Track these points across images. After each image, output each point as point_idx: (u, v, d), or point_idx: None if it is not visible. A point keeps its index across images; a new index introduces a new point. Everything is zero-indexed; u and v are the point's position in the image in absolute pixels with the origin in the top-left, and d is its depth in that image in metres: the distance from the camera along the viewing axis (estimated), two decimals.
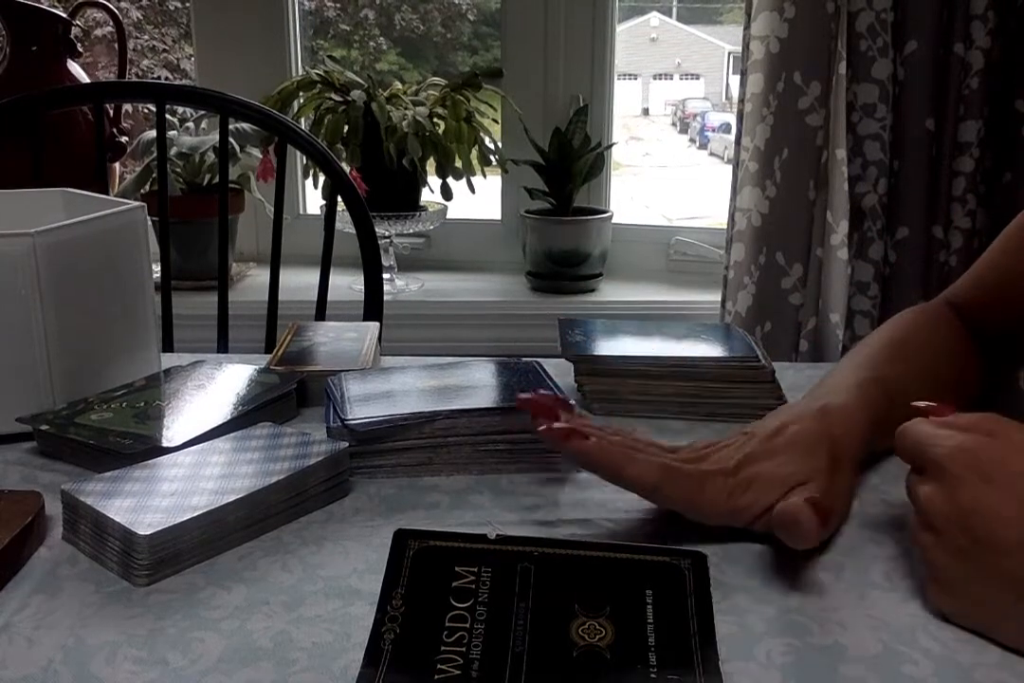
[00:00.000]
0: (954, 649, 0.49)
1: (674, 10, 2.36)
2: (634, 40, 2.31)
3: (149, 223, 0.88)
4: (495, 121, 1.83)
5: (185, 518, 0.56)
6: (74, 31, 1.78)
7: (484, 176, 1.78)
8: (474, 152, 1.73)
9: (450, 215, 1.84)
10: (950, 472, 0.51)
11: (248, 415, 0.74)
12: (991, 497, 0.49)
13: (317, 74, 1.74)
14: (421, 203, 1.83)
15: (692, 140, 2.61)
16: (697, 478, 0.58)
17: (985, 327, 0.82)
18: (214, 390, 0.80)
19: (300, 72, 1.88)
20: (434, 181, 1.78)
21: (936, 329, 0.81)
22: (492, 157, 1.76)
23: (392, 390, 0.75)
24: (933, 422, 0.55)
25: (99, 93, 1.35)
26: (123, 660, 0.48)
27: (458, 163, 1.74)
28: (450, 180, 1.76)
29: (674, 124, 2.64)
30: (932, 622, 0.51)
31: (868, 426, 0.65)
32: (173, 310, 1.29)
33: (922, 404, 0.57)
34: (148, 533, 0.55)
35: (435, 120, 1.72)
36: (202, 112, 1.81)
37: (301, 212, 2.01)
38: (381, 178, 1.71)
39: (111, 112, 1.80)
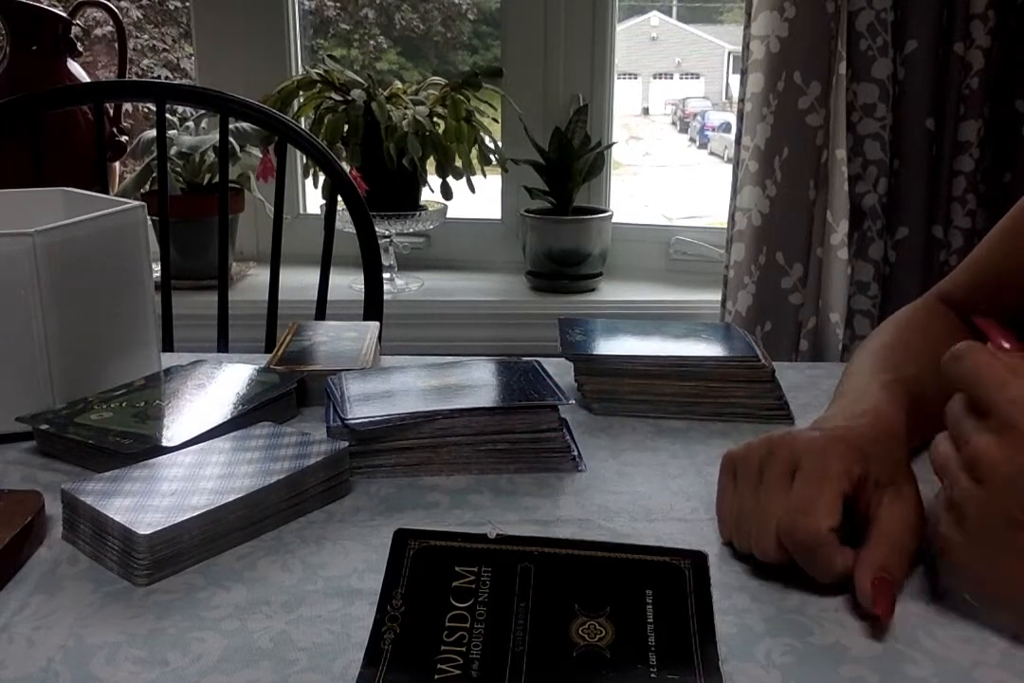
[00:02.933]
0: (954, 649, 0.49)
1: (674, 9, 2.36)
2: (634, 39, 2.31)
3: (149, 223, 0.88)
4: (495, 120, 1.83)
5: (185, 518, 0.56)
6: (74, 30, 1.78)
7: (484, 175, 1.78)
8: (474, 151, 1.73)
9: (450, 214, 1.84)
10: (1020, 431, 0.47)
11: (248, 415, 0.74)
12: None
13: (317, 73, 1.74)
14: (421, 202, 1.83)
15: (692, 139, 2.61)
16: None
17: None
18: (214, 390, 0.80)
19: (300, 71, 1.88)
20: (434, 180, 1.78)
21: (939, 326, 0.81)
22: (492, 156, 1.76)
23: (392, 390, 0.75)
24: (1004, 360, 0.50)
25: (99, 93, 1.34)
26: (123, 660, 0.48)
27: (458, 162, 1.74)
28: (450, 179, 1.76)
29: (674, 123, 2.64)
30: (932, 622, 0.51)
31: (905, 427, 0.63)
32: (173, 310, 1.29)
33: (983, 322, 0.53)
34: (148, 533, 0.55)
35: (435, 119, 1.72)
36: (202, 111, 1.81)
37: (301, 212, 2.01)
38: (381, 178, 1.71)
39: (111, 111, 1.80)
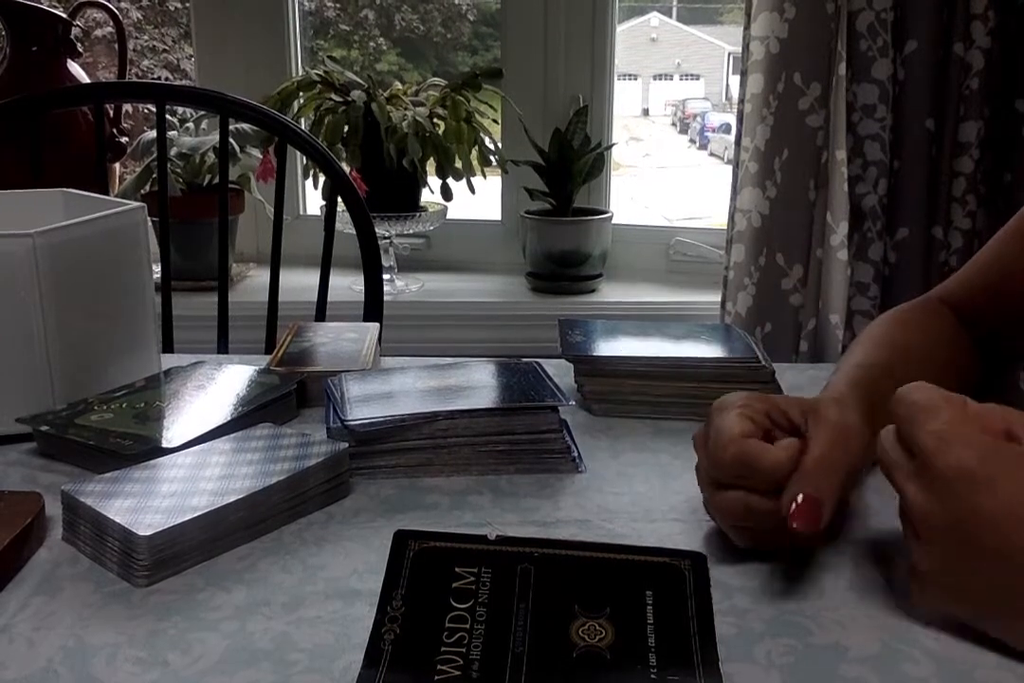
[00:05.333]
0: (954, 649, 0.49)
1: (674, 10, 2.36)
2: (634, 40, 2.31)
3: (149, 223, 0.88)
4: (495, 121, 1.83)
5: (185, 519, 0.56)
6: (74, 31, 1.78)
7: (484, 176, 1.78)
8: (474, 152, 1.73)
9: (450, 215, 1.84)
10: (951, 490, 0.47)
11: (248, 416, 0.74)
12: (990, 505, 0.46)
13: (317, 74, 1.74)
14: (421, 203, 1.83)
15: (692, 140, 2.61)
16: None
17: (979, 326, 0.82)
18: (214, 391, 0.80)
19: (300, 72, 1.88)
20: (434, 181, 1.77)
21: (936, 324, 0.81)
22: (492, 157, 1.76)
23: (392, 391, 0.75)
24: (944, 405, 0.49)
25: (99, 93, 1.35)
26: (123, 661, 0.48)
27: (458, 163, 1.74)
28: (450, 180, 1.76)
29: (674, 124, 2.64)
30: (932, 622, 0.51)
31: (851, 398, 0.64)
32: (173, 310, 1.29)
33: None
34: (148, 534, 0.55)
35: (435, 120, 1.72)
36: (202, 112, 1.81)
37: (301, 212, 2.01)
38: (381, 178, 1.71)
39: (111, 112, 1.80)
